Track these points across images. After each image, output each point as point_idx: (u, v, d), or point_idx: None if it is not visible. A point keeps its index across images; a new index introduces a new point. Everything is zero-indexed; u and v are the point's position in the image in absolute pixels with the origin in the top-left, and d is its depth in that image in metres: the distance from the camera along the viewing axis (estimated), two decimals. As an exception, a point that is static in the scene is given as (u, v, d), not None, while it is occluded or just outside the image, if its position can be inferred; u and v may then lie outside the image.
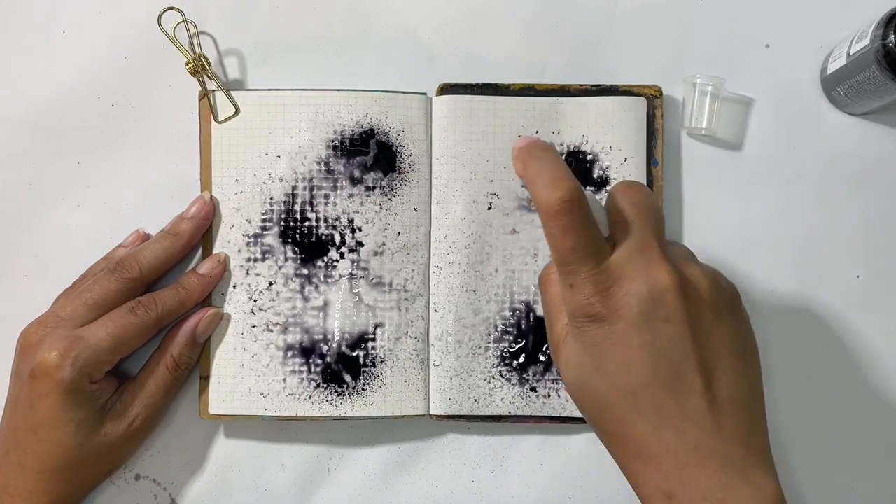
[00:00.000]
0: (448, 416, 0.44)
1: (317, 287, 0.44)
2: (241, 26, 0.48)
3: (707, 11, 0.49)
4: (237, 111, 0.44)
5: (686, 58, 0.49)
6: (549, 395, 0.44)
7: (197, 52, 0.44)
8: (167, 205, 0.45)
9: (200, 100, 0.44)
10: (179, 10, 0.44)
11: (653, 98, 0.45)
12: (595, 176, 0.45)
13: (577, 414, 0.44)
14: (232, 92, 0.44)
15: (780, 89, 0.49)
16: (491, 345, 0.45)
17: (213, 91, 0.44)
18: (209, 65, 0.44)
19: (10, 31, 0.49)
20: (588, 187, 0.45)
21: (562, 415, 0.44)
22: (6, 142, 0.48)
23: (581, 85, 0.45)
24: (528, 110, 0.45)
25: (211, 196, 0.44)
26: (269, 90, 0.44)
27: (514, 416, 0.44)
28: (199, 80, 0.44)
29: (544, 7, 0.49)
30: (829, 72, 0.48)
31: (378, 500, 0.48)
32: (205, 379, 0.45)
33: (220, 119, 0.44)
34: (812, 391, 0.48)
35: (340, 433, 0.47)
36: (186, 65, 0.44)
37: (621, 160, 0.45)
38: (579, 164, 0.45)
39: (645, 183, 0.45)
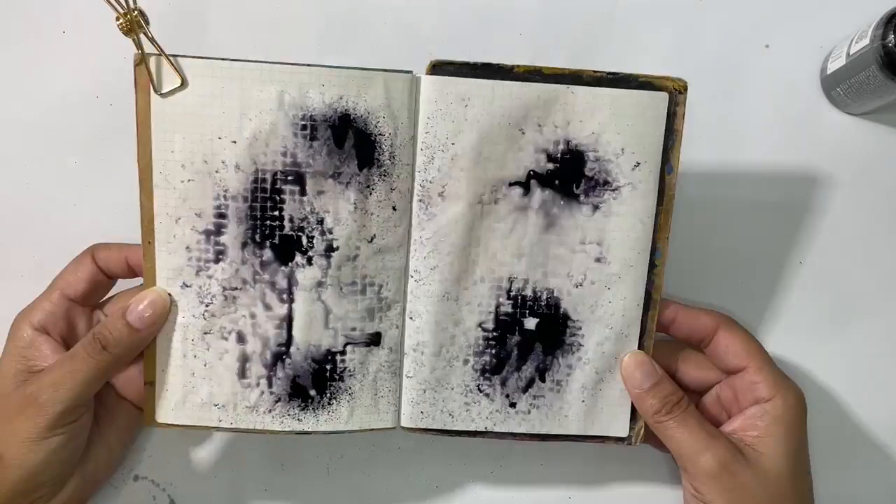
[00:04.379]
0: (420, 429, 0.42)
1: (280, 295, 0.40)
2: (234, 22, 0.48)
3: (707, 11, 0.50)
4: (183, 83, 0.38)
5: (686, 58, 0.49)
6: (528, 412, 0.43)
7: (131, 4, 0.36)
8: None
9: (136, 66, 0.37)
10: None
11: (675, 93, 0.40)
12: (598, 182, 0.41)
13: (558, 431, 0.44)
14: (179, 59, 0.37)
15: (780, 89, 0.50)
16: (471, 357, 0.42)
17: (155, 55, 0.37)
18: (147, 23, 0.37)
19: (10, 31, 0.49)
20: (584, 197, 0.41)
21: (541, 432, 0.43)
22: (4, 141, 0.49)
23: (596, 71, 0.40)
24: (532, 99, 0.39)
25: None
26: (223, 59, 0.37)
27: (491, 432, 0.43)
28: (133, 41, 0.37)
29: (544, 7, 0.50)
30: (829, 72, 0.49)
31: (378, 501, 0.49)
32: (150, 384, 0.41)
33: (162, 91, 0.37)
34: (813, 391, 0.49)
35: (341, 433, 0.47)
36: (116, 20, 0.36)
37: (632, 165, 0.40)
38: (579, 167, 0.41)
39: (656, 192, 0.41)
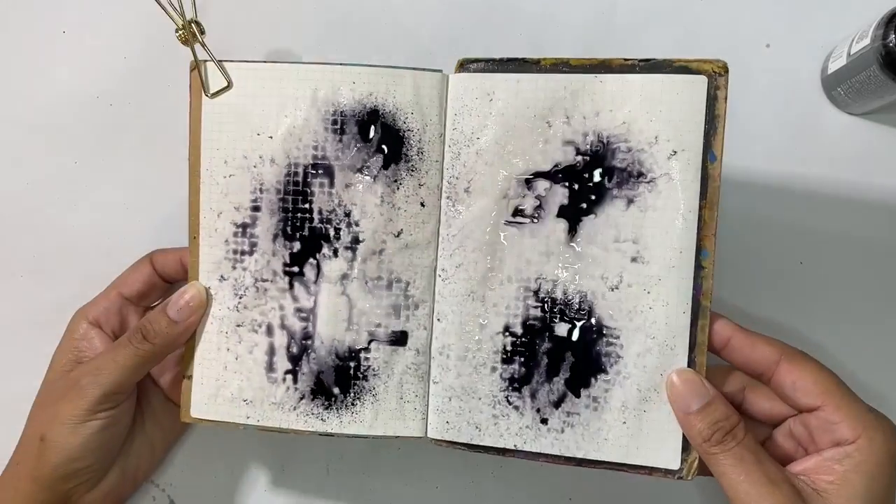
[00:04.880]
0: (447, 442, 0.40)
1: (307, 287, 0.41)
2: (234, 24, 0.49)
3: (707, 11, 0.51)
4: (229, 84, 0.41)
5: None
6: (562, 430, 0.40)
7: (188, 17, 0.41)
8: (165, 205, 0.44)
9: (192, 71, 0.41)
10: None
11: (715, 76, 0.38)
12: (631, 174, 0.39)
13: (595, 455, 0.39)
14: (225, 63, 0.41)
15: (780, 89, 0.50)
16: (498, 364, 0.40)
17: (205, 62, 0.41)
18: (202, 33, 0.41)
19: (10, 31, 0.50)
20: (617, 191, 0.39)
21: (576, 455, 0.39)
22: (4, 141, 0.49)
23: (626, 59, 0.39)
24: (558, 90, 0.39)
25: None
26: (263, 62, 0.41)
27: (521, 451, 0.40)
28: (191, 49, 0.41)
29: (544, 7, 0.50)
30: (829, 72, 0.49)
31: (378, 501, 0.49)
32: (188, 378, 0.42)
33: (210, 92, 0.41)
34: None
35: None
36: (176, 31, 0.41)
37: (668, 154, 0.38)
38: (610, 158, 0.39)
39: (698, 186, 0.38)
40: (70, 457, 0.40)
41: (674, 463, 0.39)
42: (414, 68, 0.40)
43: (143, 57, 0.48)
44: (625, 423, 0.39)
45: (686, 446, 0.38)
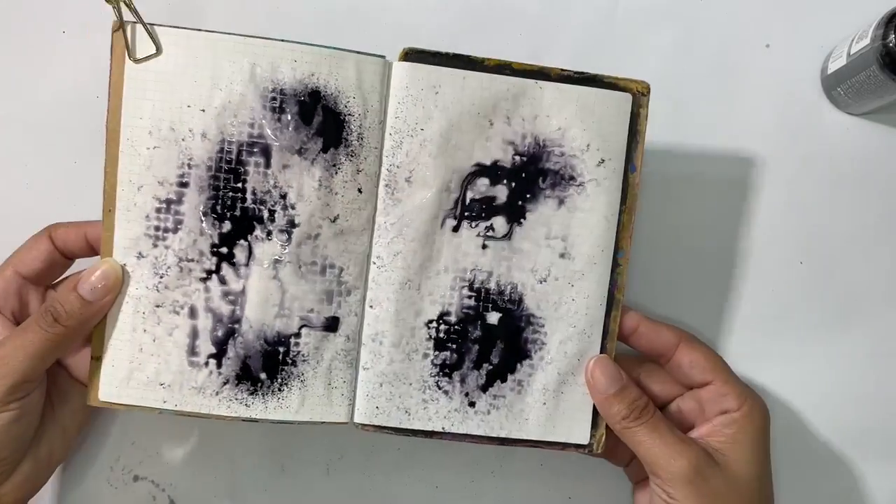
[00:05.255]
0: (375, 426, 0.41)
1: (236, 269, 0.39)
2: (232, 21, 0.48)
3: (707, 11, 0.51)
4: (158, 51, 0.38)
5: (686, 58, 0.50)
6: (488, 412, 0.42)
7: (114, -28, 0.38)
8: None
9: (114, 32, 0.38)
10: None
11: (639, 95, 0.41)
12: (563, 177, 0.41)
13: (517, 434, 0.42)
14: (155, 27, 0.38)
15: (780, 89, 0.50)
16: (430, 351, 0.41)
17: (132, 23, 0.38)
18: (131, -9, 0.38)
19: (10, 31, 0.50)
20: (550, 191, 0.41)
21: (500, 435, 0.42)
22: (4, 141, 0.49)
23: (563, 70, 0.41)
24: (501, 91, 0.40)
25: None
26: (199, 30, 0.38)
27: (449, 433, 0.41)
28: (113, 8, 0.38)
29: (544, 7, 0.50)
30: (829, 72, 0.49)
31: (378, 501, 0.49)
32: (97, 360, 0.40)
33: (136, 57, 0.38)
34: (814, 390, 0.49)
35: (340, 433, 0.48)
36: (99, -14, 0.37)
37: (597, 161, 0.41)
38: (545, 161, 0.41)
39: (619, 190, 0.41)
40: None
41: (584, 438, 0.42)
42: (357, 52, 0.39)
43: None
44: (545, 404, 0.42)
45: (595, 424, 0.42)
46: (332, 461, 0.49)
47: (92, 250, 0.43)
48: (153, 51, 0.38)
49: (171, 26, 0.38)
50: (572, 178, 0.41)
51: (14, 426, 0.38)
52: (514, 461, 0.49)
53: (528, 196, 0.41)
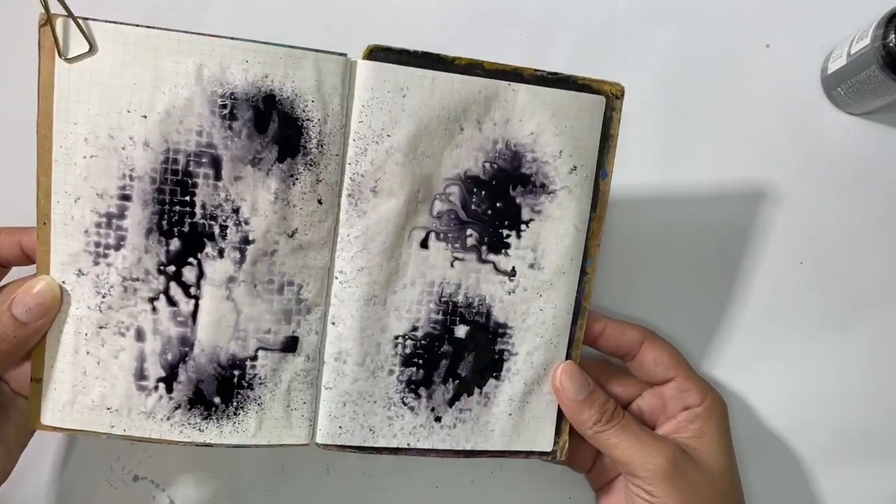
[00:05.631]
0: (337, 446, 0.39)
1: (186, 289, 0.37)
2: (234, 21, 0.48)
3: (707, 11, 0.50)
4: (92, 48, 0.35)
5: (686, 58, 0.49)
6: (454, 426, 0.41)
7: (39, -41, 0.33)
8: None
9: (41, 26, 0.34)
10: None
11: (612, 98, 0.39)
12: (535, 185, 0.39)
13: (483, 446, 0.41)
14: (90, 23, 0.34)
15: (780, 89, 0.50)
16: (396, 367, 0.39)
17: (63, 17, 0.34)
18: (56, -20, 0.34)
19: (10, 31, 0.49)
20: (520, 199, 0.39)
21: (465, 447, 0.41)
22: (4, 141, 0.48)
23: (537, 70, 0.38)
24: (473, 94, 0.37)
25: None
26: (136, 25, 0.34)
27: (414, 448, 0.40)
28: (42, 1, 0.34)
29: (544, 7, 0.50)
30: (829, 72, 0.49)
31: (378, 501, 0.49)
32: (37, 381, 0.37)
33: (67, 56, 0.34)
34: (814, 390, 0.50)
35: None
36: (22, -25, 0.33)
37: (569, 168, 0.39)
38: (516, 168, 0.39)
39: (590, 198, 0.40)
40: None
41: (548, 446, 0.42)
42: (316, 50, 0.36)
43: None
44: (510, 415, 0.41)
45: (558, 430, 0.42)
46: (332, 461, 0.48)
47: (27, 259, 0.40)
48: (86, 49, 0.34)
49: (105, 21, 0.34)
50: (543, 185, 0.39)
51: None
52: (514, 461, 0.49)
53: (498, 205, 0.39)
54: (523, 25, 0.50)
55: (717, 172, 0.50)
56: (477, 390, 0.40)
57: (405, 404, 0.40)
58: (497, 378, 0.41)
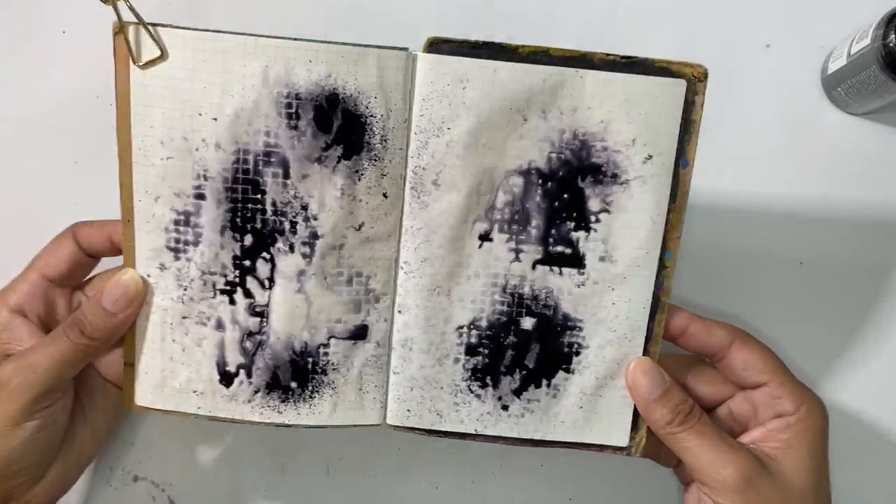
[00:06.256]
0: (406, 427, 0.40)
1: (261, 282, 0.38)
2: (232, 20, 0.48)
3: (707, 12, 0.51)
4: (163, 54, 0.36)
5: (686, 58, 0.48)
6: (522, 415, 0.41)
7: (110, -30, 0.35)
8: None
9: (115, 34, 0.36)
10: None
11: (695, 81, 0.37)
12: (605, 175, 0.38)
13: (552, 436, 0.41)
14: (160, 29, 0.35)
15: (780, 89, 0.50)
16: (462, 356, 0.40)
17: (133, 25, 0.35)
18: (128, -10, 0.35)
19: (10, 31, 0.50)
20: (590, 191, 0.38)
21: (534, 437, 0.41)
22: (4, 141, 0.49)
23: (608, 55, 0.37)
24: (537, 83, 0.36)
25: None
26: (205, 30, 0.35)
27: (481, 434, 0.41)
28: (113, 8, 0.35)
29: (545, 7, 0.50)
30: (829, 72, 0.49)
31: (378, 501, 0.49)
32: (129, 366, 0.40)
33: (141, 62, 0.36)
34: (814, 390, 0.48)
35: (340, 434, 0.48)
36: (95, -14, 0.35)
37: (644, 157, 0.37)
38: (585, 158, 0.38)
39: (668, 190, 0.38)
40: (7, 460, 0.38)
41: (623, 441, 0.41)
42: (378, 46, 0.36)
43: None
44: (581, 407, 0.41)
45: (635, 426, 0.41)
46: (332, 461, 0.49)
47: (117, 250, 0.42)
48: (158, 54, 0.36)
49: (175, 27, 0.36)
50: (615, 175, 0.38)
51: (40, 434, 0.39)
52: (514, 462, 0.49)
53: (565, 196, 0.38)
54: (523, 24, 0.50)
55: (717, 172, 0.49)
56: (545, 382, 0.40)
57: (471, 392, 0.41)
58: (567, 371, 0.40)
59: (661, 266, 0.39)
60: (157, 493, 0.49)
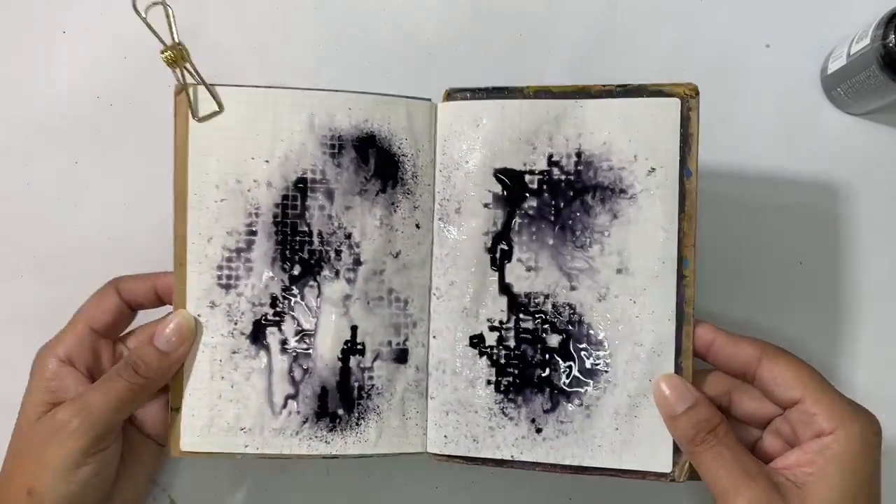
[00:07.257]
0: (447, 456, 0.42)
1: (307, 309, 0.41)
2: (234, 21, 0.49)
3: (707, 12, 0.52)
4: (220, 109, 0.41)
5: (686, 58, 0.51)
6: (556, 437, 0.42)
7: (175, 39, 0.40)
8: (165, 205, 0.42)
9: (177, 94, 0.41)
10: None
11: (687, 98, 0.42)
12: (613, 190, 0.42)
13: (590, 462, 0.42)
14: (216, 87, 0.41)
15: (780, 89, 0.51)
16: (493, 377, 0.42)
17: (193, 85, 0.41)
18: (188, 55, 0.41)
19: (10, 31, 0.50)
20: (600, 206, 0.42)
21: (571, 463, 0.42)
22: (4, 141, 0.50)
23: (605, 85, 0.43)
24: (541, 115, 0.42)
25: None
26: (257, 87, 0.41)
27: (518, 461, 0.42)
28: (176, 73, 0.40)
29: (545, 7, 0.51)
30: (829, 72, 0.50)
31: (378, 501, 0.49)
32: (176, 410, 0.41)
33: (199, 116, 0.41)
34: None
35: None
36: (162, 52, 0.40)
37: (647, 171, 0.42)
38: (592, 176, 0.42)
39: (676, 200, 0.42)
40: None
41: (666, 466, 0.41)
42: (407, 97, 0.42)
43: (143, 57, 0.47)
44: (617, 429, 0.42)
45: (678, 449, 0.41)
46: (332, 461, 0.49)
47: (159, 301, 0.45)
48: (215, 109, 0.41)
49: (231, 85, 0.41)
50: (623, 190, 0.42)
51: (95, 479, 0.40)
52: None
53: (577, 214, 0.43)
54: (524, 25, 0.51)
55: (717, 172, 0.50)
56: (577, 400, 0.42)
57: (505, 414, 0.42)
58: (595, 387, 0.42)
59: (680, 275, 0.41)
60: (157, 492, 0.49)
